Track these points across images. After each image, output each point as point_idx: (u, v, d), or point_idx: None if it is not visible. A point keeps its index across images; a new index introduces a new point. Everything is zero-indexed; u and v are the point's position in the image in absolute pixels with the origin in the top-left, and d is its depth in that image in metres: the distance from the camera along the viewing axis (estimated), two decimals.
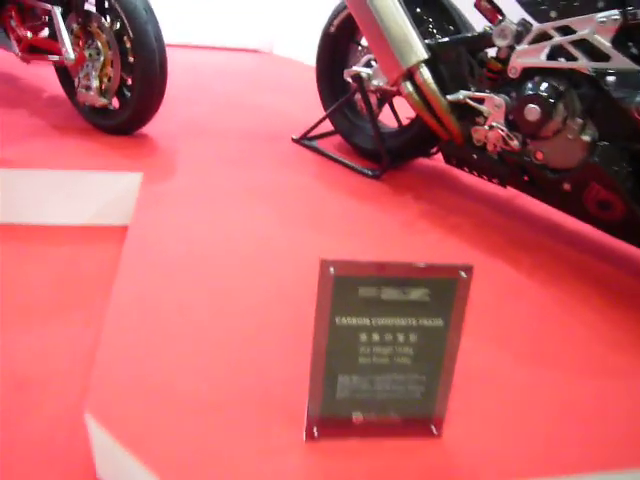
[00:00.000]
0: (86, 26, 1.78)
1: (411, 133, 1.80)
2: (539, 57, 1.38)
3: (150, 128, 1.98)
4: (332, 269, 0.81)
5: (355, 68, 1.79)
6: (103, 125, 1.92)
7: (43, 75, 2.38)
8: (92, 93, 1.82)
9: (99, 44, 1.78)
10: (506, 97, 1.46)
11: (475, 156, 1.59)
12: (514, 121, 1.45)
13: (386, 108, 1.96)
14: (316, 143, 2.03)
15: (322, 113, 2.01)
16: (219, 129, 2.13)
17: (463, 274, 0.84)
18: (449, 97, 1.54)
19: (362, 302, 0.83)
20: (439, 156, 2.00)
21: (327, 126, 2.08)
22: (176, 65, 2.92)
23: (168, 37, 3.13)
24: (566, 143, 1.38)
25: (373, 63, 1.78)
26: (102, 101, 1.83)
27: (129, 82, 1.83)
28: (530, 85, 1.39)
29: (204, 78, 2.79)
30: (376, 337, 0.85)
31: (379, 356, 0.87)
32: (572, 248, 1.58)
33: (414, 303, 0.84)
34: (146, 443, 0.84)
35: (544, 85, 1.37)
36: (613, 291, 1.39)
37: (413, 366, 0.88)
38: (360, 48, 1.88)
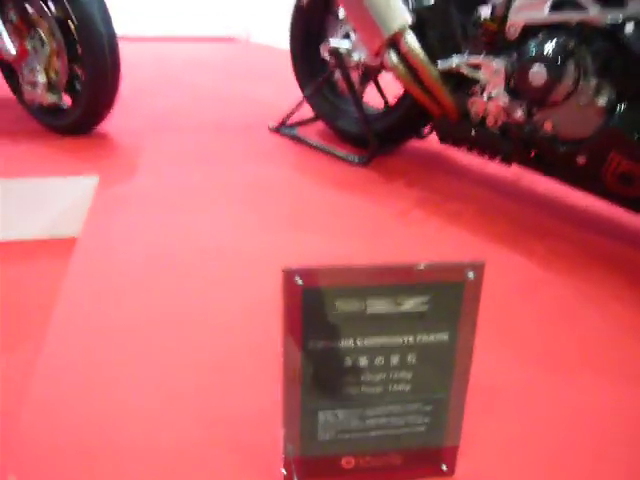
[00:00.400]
0: (25, 14, 1.58)
1: (399, 112, 1.60)
2: (541, 11, 1.18)
3: (110, 126, 1.78)
4: (299, 279, 0.62)
5: (332, 42, 1.59)
6: (56, 125, 1.72)
7: None
8: (39, 90, 1.62)
9: (42, 34, 1.58)
10: (506, 61, 1.26)
11: (474, 132, 1.39)
12: (517, 88, 1.26)
13: (371, 87, 1.77)
14: (296, 131, 1.84)
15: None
16: (189, 123, 1.93)
17: (471, 275, 0.64)
18: (440, 65, 1.35)
19: (342, 319, 0.64)
20: (433, 137, 1.81)
21: (308, 112, 1.89)
22: (144, 58, 2.73)
23: (135, 29, 2.95)
24: (579, 109, 1.18)
25: (352, 35, 1.58)
26: (51, 98, 1.63)
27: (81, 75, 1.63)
28: (533, 45, 1.19)
29: (174, 70, 2.59)
30: (364, 361, 0.66)
31: (369, 385, 0.67)
32: (591, 231, 1.38)
33: (410, 315, 0.65)
34: None
35: (549, 43, 1.17)
36: None
37: (414, 394, 0.69)
38: (337, 19, 1.68)
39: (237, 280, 1.11)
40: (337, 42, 1.58)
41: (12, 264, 1.33)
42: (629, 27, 1.09)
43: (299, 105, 1.76)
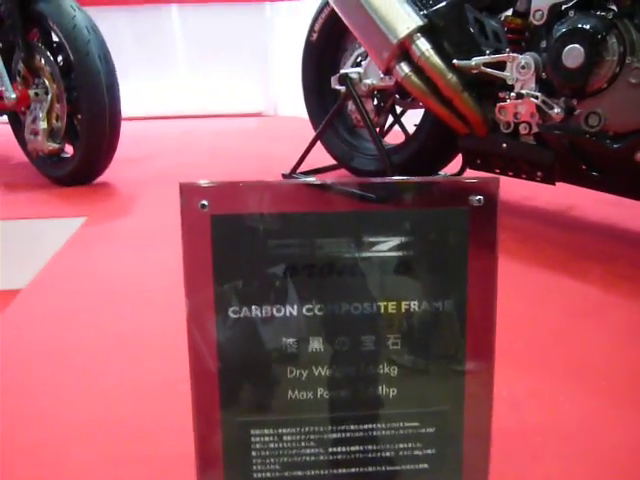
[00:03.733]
0: (30, 62, 1.54)
1: (420, 139, 1.42)
2: None
3: (117, 178, 1.68)
4: (205, 202, 0.40)
5: (342, 71, 1.46)
6: (57, 176, 1.63)
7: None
8: (40, 138, 1.55)
9: (45, 81, 1.53)
10: (535, 52, 1.08)
11: (505, 145, 1.18)
12: (550, 80, 1.06)
13: (393, 132, 1.61)
14: (313, 178, 1.68)
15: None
16: (200, 174, 1.81)
17: (478, 198, 0.41)
18: (457, 64, 1.16)
19: (277, 270, 0.41)
20: (467, 173, 1.61)
21: (329, 160, 1.74)
22: (173, 130, 2.73)
23: (166, 109, 2.99)
24: (629, 91, 0.96)
25: (363, 63, 1.45)
26: (51, 146, 1.55)
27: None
28: (565, 22, 1.01)
29: (199, 137, 2.54)
30: (317, 345, 0.42)
31: (329, 385, 0.43)
32: None
33: (387, 265, 0.42)
34: None
35: (584, 18, 0.99)
36: None
37: (404, 403, 0.44)
38: (349, 55, 1.56)
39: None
40: (348, 70, 1.45)
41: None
42: None
43: (312, 145, 1.61)
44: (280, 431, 0.43)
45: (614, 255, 1.12)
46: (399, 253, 0.41)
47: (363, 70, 1.42)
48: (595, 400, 0.65)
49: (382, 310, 0.42)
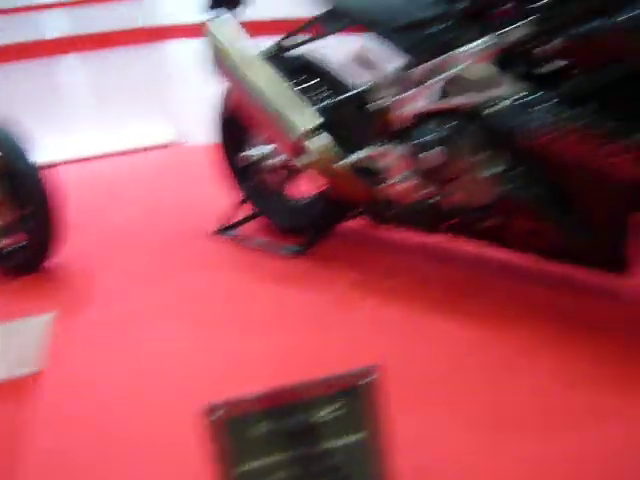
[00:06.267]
0: None
1: (328, 198, 1.72)
2: (425, 101, 1.33)
3: (61, 257, 1.85)
4: (220, 413, 0.69)
5: (247, 152, 1.73)
6: (7, 267, 1.79)
7: None
8: None
9: None
10: (407, 147, 1.40)
11: (394, 212, 1.51)
12: (418, 170, 1.40)
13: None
14: (237, 232, 1.92)
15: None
16: (135, 240, 1.98)
17: (364, 381, 0.73)
18: (346, 160, 1.48)
19: (265, 439, 0.71)
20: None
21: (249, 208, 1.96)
22: (90, 178, 2.76)
23: (75, 152, 3.01)
24: (477, 180, 1.31)
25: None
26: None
27: None
28: (424, 130, 1.35)
29: (114, 186, 2.60)
30: (297, 470, 0.73)
31: None
32: (522, 284, 1.48)
33: (325, 424, 0.73)
34: None
35: (437, 128, 1.32)
36: (577, 323, 1.30)
37: None
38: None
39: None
40: (251, 152, 1.71)
41: None
42: (503, 104, 1.22)
43: (236, 209, 1.86)
44: None
45: (486, 289, 1.46)
46: (332, 415, 0.72)
47: (272, 149, 1.68)
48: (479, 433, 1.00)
49: (325, 445, 0.73)
